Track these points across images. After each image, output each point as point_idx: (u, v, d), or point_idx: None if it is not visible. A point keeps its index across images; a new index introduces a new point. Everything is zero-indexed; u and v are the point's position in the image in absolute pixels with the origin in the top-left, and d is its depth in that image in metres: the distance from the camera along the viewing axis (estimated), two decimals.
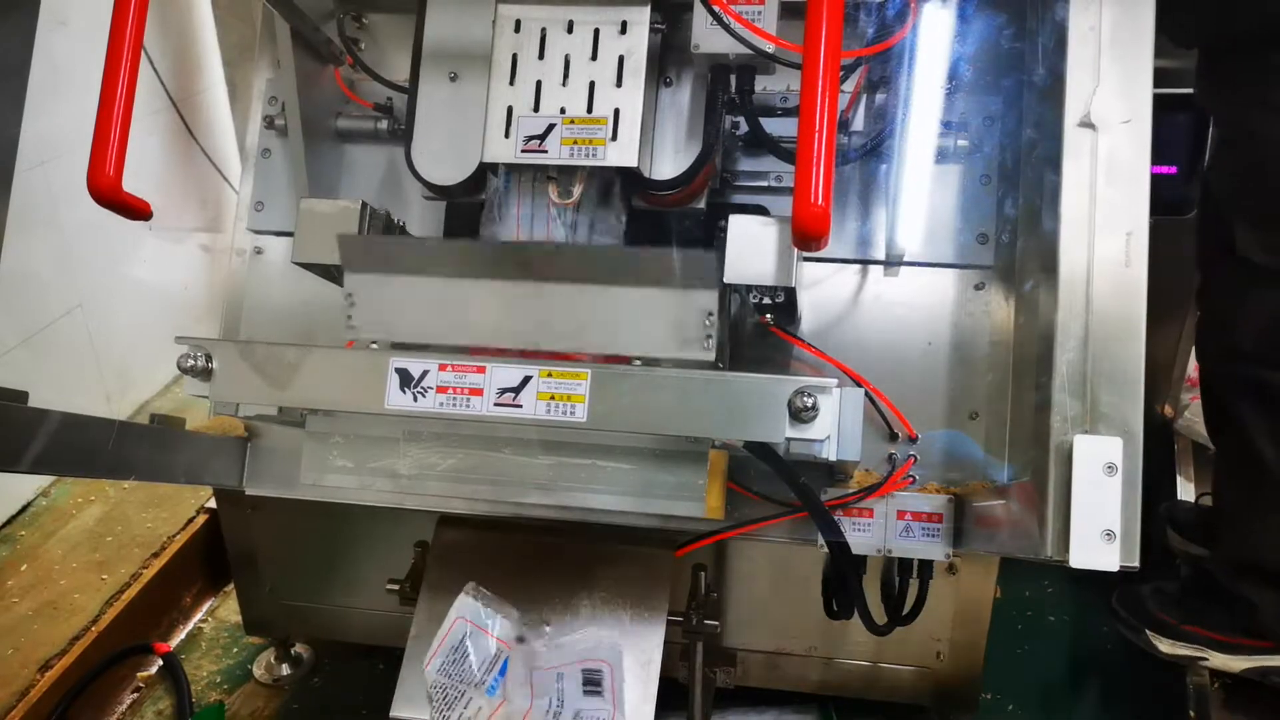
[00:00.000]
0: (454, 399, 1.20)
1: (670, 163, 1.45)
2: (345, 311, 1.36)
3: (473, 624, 1.43)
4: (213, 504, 2.41)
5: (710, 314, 1.29)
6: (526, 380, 1.20)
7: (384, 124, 1.75)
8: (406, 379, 1.21)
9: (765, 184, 1.67)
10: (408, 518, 1.72)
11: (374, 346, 1.34)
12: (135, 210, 1.14)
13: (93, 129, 1.11)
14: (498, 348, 1.34)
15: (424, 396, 1.21)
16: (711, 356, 1.29)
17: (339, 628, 1.98)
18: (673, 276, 1.28)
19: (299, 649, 2.13)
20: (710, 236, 1.57)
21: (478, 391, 1.20)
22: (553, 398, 1.19)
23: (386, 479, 1.32)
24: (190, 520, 2.38)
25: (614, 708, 1.40)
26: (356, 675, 2.08)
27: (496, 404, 1.19)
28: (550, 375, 1.19)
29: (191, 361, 1.25)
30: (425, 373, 1.21)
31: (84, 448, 1.26)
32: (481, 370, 1.20)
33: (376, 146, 1.82)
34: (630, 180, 1.42)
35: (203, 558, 2.37)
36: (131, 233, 2.66)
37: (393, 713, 1.46)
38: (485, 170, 1.46)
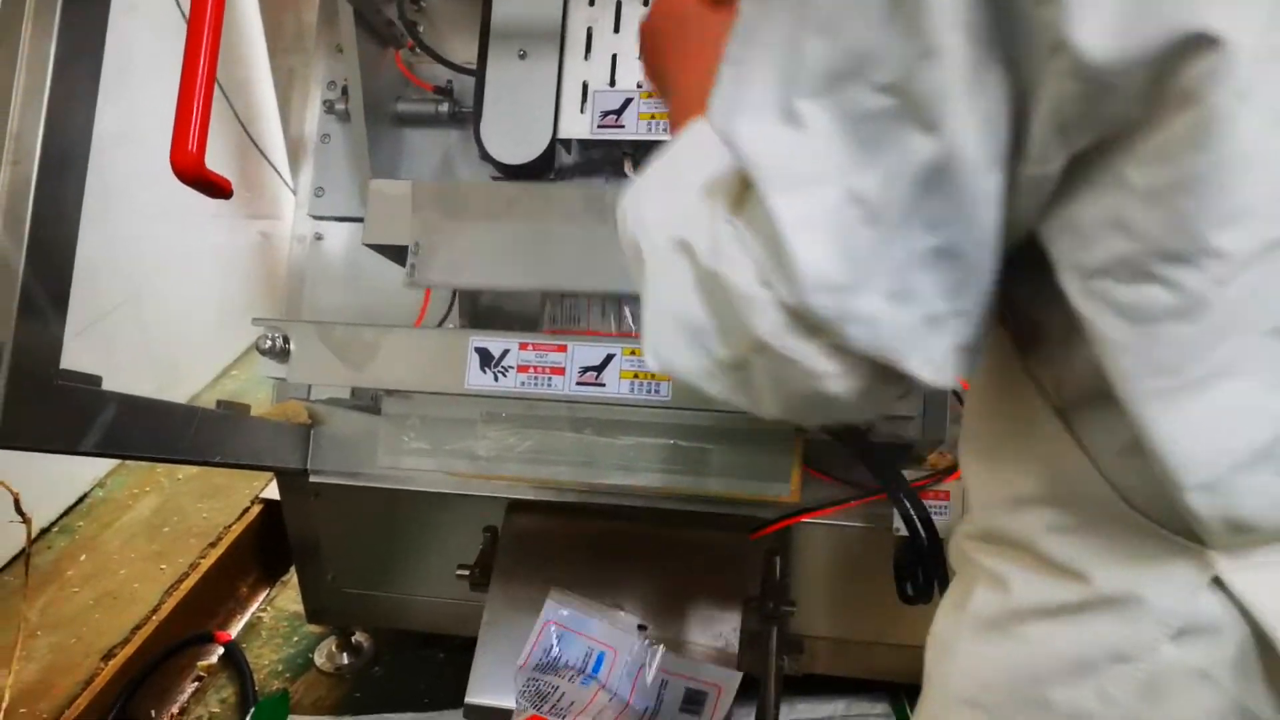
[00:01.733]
0: (535, 378, 1.19)
1: None
2: (410, 260, 1.34)
3: (563, 627, 1.41)
4: (266, 494, 2.41)
5: None
6: (609, 358, 1.18)
7: (444, 107, 1.73)
8: (487, 358, 1.20)
9: None
10: (468, 505, 1.70)
11: (451, 327, 1.33)
12: (217, 188, 1.13)
13: (175, 107, 1.09)
14: (568, 290, 1.32)
15: (505, 376, 1.20)
16: None
17: (400, 616, 1.96)
18: None
19: (359, 638, 2.12)
20: None
21: (559, 370, 1.19)
22: (636, 376, 1.18)
23: (465, 460, 1.30)
24: (245, 511, 2.39)
25: None
26: (417, 664, 2.07)
27: (579, 383, 1.18)
28: (634, 353, 1.18)
29: (269, 343, 1.25)
30: (506, 352, 1.20)
31: (169, 432, 1.27)
32: (563, 349, 1.19)
33: (433, 131, 1.80)
34: None
35: (257, 548, 2.37)
36: (184, 224, 2.67)
37: (467, 699, 1.45)
38: (556, 149, 1.43)
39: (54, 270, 1.18)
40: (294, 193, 2.89)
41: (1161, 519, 0.60)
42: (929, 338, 0.56)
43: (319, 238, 1.82)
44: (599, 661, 1.41)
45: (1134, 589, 0.61)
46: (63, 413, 1.18)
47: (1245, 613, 0.59)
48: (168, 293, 2.66)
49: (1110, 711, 0.62)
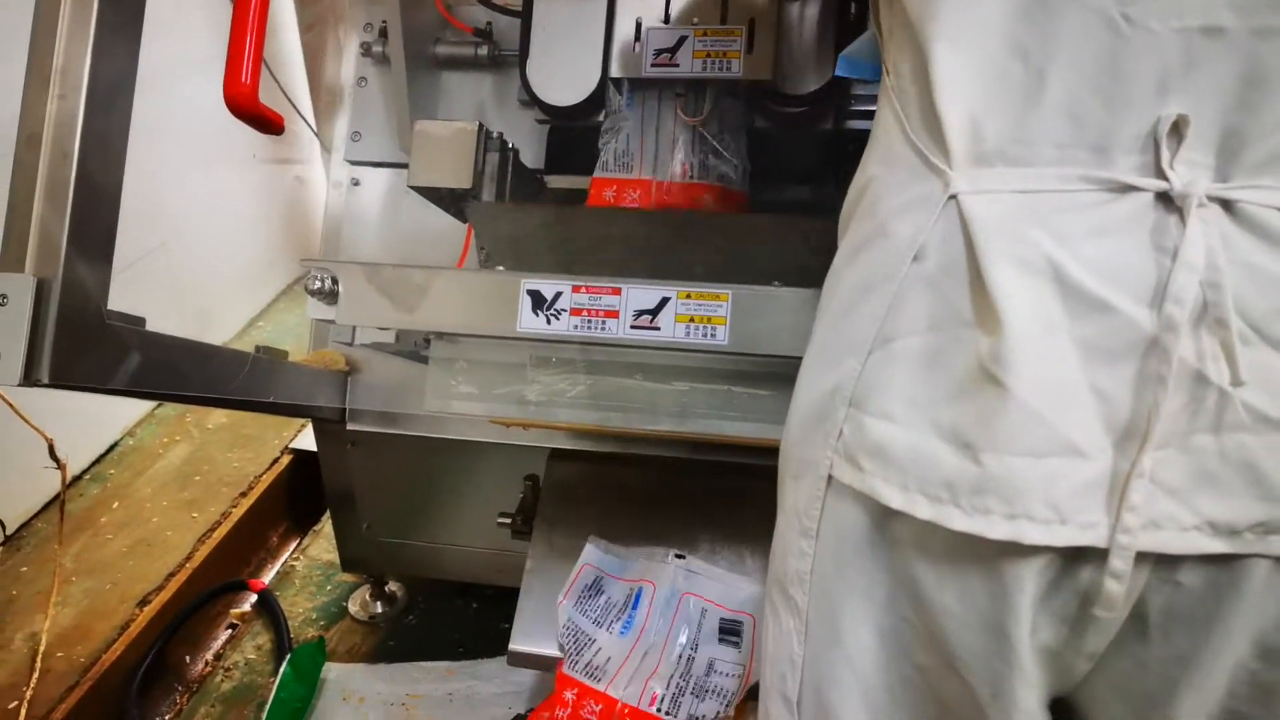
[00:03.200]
0: (589, 321, 1.14)
1: (799, 82, 1.38)
2: (480, 259, 1.36)
3: (601, 571, 1.41)
4: (296, 444, 2.41)
5: None
6: (665, 302, 1.13)
7: (484, 50, 1.70)
8: (539, 301, 1.15)
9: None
10: (504, 455, 1.69)
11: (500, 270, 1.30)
12: (270, 123, 1.10)
13: (229, 39, 1.07)
14: None
15: (557, 319, 1.15)
16: None
17: (434, 565, 1.96)
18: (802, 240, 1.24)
19: (392, 587, 2.12)
20: (832, 158, 1.51)
21: (613, 314, 1.14)
22: (692, 320, 1.13)
23: (514, 405, 1.26)
24: (275, 460, 2.39)
25: (747, 666, 1.36)
26: (450, 613, 2.08)
27: (633, 326, 1.13)
28: (689, 297, 1.12)
29: (318, 284, 1.19)
30: (559, 294, 1.14)
31: (219, 374, 1.25)
32: (617, 292, 1.14)
33: (471, 74, 1.77)
34: (764, 95, 1.36)
35: (288, 498, 2.37)
36: (214, 171, 2.64)
37: (511, 646, 1.44)
38: (605, 89, 1.40)
39: (101, 207, 1.15)
40: (318, 138, 2.87)
41: (927, 141, 0.77)
42: None
43: (356, 183, 1.79)
44: (638, 598, 1.40)
45: (901, 216, 0.77)
46: (112, 352, 1.16)
47: (965, 227, 0.72)
48: (200, 240, 2.64)
49: (870, 329, 0.77)
